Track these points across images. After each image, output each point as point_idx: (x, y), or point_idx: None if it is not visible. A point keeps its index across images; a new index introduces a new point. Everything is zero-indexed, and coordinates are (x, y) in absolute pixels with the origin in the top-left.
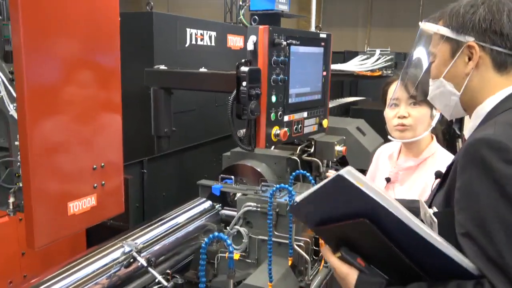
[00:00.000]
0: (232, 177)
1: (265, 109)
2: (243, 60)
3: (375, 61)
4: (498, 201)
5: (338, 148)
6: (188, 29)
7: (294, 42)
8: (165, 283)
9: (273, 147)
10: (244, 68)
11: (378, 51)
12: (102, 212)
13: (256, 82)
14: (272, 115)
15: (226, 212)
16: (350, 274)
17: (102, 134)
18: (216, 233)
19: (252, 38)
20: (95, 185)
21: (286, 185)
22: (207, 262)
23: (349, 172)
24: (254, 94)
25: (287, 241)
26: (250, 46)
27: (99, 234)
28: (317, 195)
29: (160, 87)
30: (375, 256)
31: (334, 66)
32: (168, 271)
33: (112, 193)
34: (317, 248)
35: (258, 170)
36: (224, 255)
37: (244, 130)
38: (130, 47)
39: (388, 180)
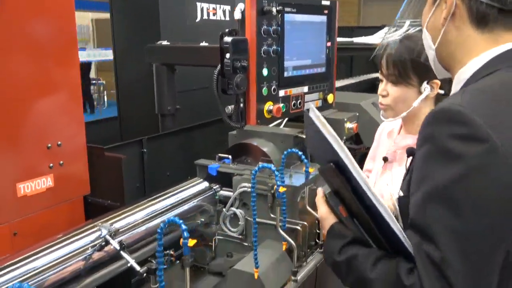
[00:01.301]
0: (230, 156)
1: (255, 83)
2: (227, 30)
3: (405, 32)
4: (441, 189)
5: (348, 125)
6: (198, 3)
7: (288, 9)
8: (137, 268)
9: (282, 124)
10: (227, 39)
11: (408, 22)
12: (62, 194)
13: (241, 53)
14: (264, 90)
15: (224, 193)
16: (328, 219)
17: (57, 112)
18: (172, 218)
19: (240, 6)
20: (51, 165)
21: (270, 165)
22: (204, 245)
23: (313, 110)
24: (240, 67)
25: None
26: (237, 15)
27: (96, 215)
28: (307, 136)
29: (162, 63)
30: (354, 212)
31: (358, 40)
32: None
33: (72, 173)
34: (319, 231)
35: (263, 149)
36: (221, 237)
37: (233, 106)
38: (136, 24)
39: (385, 159)
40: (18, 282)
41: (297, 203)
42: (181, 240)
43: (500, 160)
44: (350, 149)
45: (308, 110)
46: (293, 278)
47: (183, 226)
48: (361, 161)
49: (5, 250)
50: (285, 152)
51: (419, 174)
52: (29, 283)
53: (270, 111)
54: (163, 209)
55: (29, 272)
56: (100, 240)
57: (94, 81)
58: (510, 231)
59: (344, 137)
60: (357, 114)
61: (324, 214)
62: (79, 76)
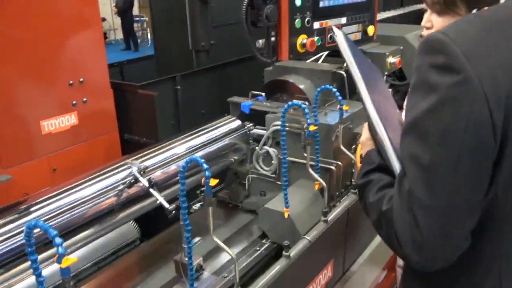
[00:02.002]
0: (263, 94)
1: (287, 15)
2: None
3: None
4: (415, 121)
5: (390, 59)
6: None
7: None
8: (166, 205)
9: (321, 60)
10: None
11: None
12: (87, 131)
13: None
14: (297, 22)
15: (258, 131)
16: (366, 145)
17: (78, 49)
18: (193, 156)
19: None
20: (74, 102)
21: (299, 103)
22: (239, 183)
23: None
24: None
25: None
26: None
27: (132, 152)
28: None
29: None
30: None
31: None
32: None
33: (97, 111)
34: (354, 171)
35: (299, 86)
36: (255, 176)
37: (264, 40)
38: None
39: None
40: (44, 219)
41: (331, 142)
42: (203, 179)
43: (472, 93)
44: (392, 85)
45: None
46: (323, 218)
47: (205, 165)
48: (403, 99)
49: (46, 184)
50: (318, 89)
51: (406, 107)
52: (61, 218)
53: (303, 45)
54: (195, 147)
55: (61, 208)
56: (130, 177)
57: (137, 18)
58: (481, 170)
59: (386, 73)
60: (401, 47)
61: (363, 140)
62: (99, 12)
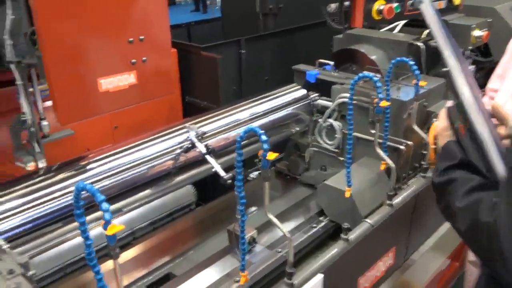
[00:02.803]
0: (332, 62)
1: None
2: None
3: None
4: None
5: (476, 33)
6: None
7: None
8: (222, 173)
9: (397, 29)
10: None
11: None
12: (145, 92)
13: None
14: None
15: (323, 102)
16: (443, 135)
17: (139, 5)
18: (252, 127)
19: None
20: (134, 61)
21: (370, 74)
22: (298, 155)
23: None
24: None
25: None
26: None
27: (193, 115)
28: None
29: None
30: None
31: None
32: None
33: (157, 71)
34: (425, 152)
35: (371, 57)
36: (316, 149)
37: (336, 4)
38: None
39: None
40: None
41: (402, 120)
42: (260, 152)
43: None
44: (475, 62)
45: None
46: (388, 202)
47: (263, 137)
48: (486, 78)
49: (108, 141)
50: (392, 61)
51: None
52: (120, 177)
53: (380, 12)
54: (256, 115)
55: (120, 167)
56: (188, 142)
57: None
58: None
59: (470, 47)
60: (490, 20)
61: (441, 129)
62: None
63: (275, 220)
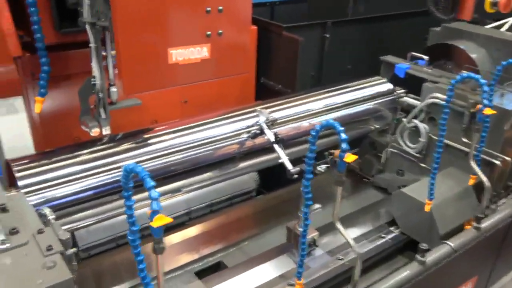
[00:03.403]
0: (426, 57)
1: None
2: None
3: None
4: None
5: None
6: None
7: None
8: (289, 166)
9: (505, 27)
10: None
11: None
12: (218, 68)
13: None
14: None
15: (410, 100)
16: None
17: None
18: (330, 121)
19: None
20: (209, 33)
21: (477, 76)
22: (373, 155)
23: None
24: None
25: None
26: None
27: (266, 98)
28: None
29: None
30: None
31: None
32: None
33: (233, 46)
34: None
35: (471, 55)
36: (395, 150)
37: None
38: None
39: None
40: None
41: (503, 131)
42: (336, 152)
43: None
44: None
45: None
46: (475, 224)
47: (343, 136)
48: None
49: (176, 115)
50: (503, 63)
51: None
52: (179, 156)
53: (495, 4)
54: (333, 106)
55: (184, 145)
56: (256, 127)
57: None
58: None
59: None
60: None
61: None
62: None
63: (343, 231)
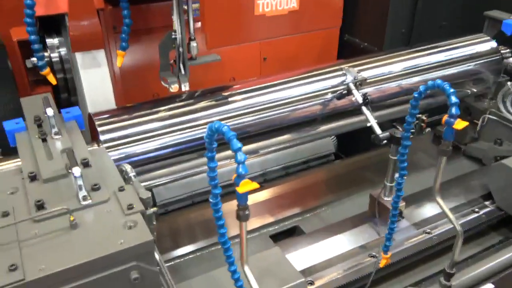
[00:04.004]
0: None
1: None
2: None
3: None
4: None
5: None
6: None
7: None
8: (378, 131)
9: None
10: None
11: None
12: (304, 21)
13: None
14: None
15: None
16: None
17: None
18: (439, 82)
19: None
20: None
21: None
22: (468, 122)
23: None
24: None
25: None
26: None
27: (349, 56)
28: None
29: None
30: None
31: None
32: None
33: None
34: None
35: None
36: (493, 117)
37: None
38: None
39: None
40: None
41: None
42: (444, 118)
43: None
44: None
45: None
46: None
47: (453, 99)
48: None
49: (255, 73)
50: None
51: None
52: (258, 116)
53: None
54: (425, 66)
55: (262, 104)
56: (343, 87)
57: None
58: None
59: None
60: None
61: None
62: None
63: (443, 205)
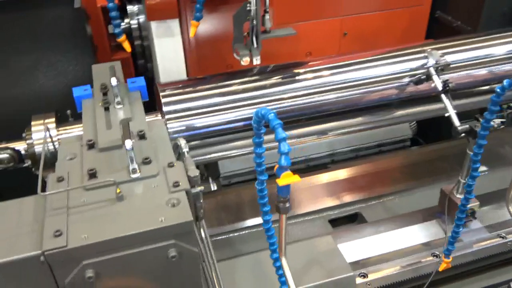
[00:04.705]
0: None
1: None
2: None
3: None
4: None
5: None
6: None
7: None
8: (457, 123)
9: None
10: None
11: None
12: None
13: None
14: None
15: None
16: None
17: None
18: None
19: None
20: None
21: None
22: None
23: None
24: None
25: None
26: None
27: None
28: None
29: None
30: None
31: None
32: None
33: None
34: None
35: None
36: None
37: None
38: None
39: None
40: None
41: None
42: None
43: None
44: None
45: None
46: None
47: None
48: None
49: (333, 49)
50: None
51: None
52: (327, 97)
53: None
54: None
55: (330, 85)
56: (422, 71)
57: None
58: None
59: None
60: None
61: None
62: None
63: None
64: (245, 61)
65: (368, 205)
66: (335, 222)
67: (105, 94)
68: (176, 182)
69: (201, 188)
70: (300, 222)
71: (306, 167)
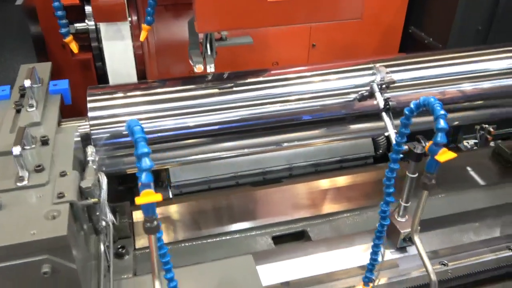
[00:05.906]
0: None
1: None
2: None
3: None
4: None
5: None
6: None
7: None
8: (393, 138)
9: None
10: None
11: None
12: (326, 11)
13: None
14: None
15: None
16: None
17: None
18: None
19: None
20: None
21: None
22: None
23: None
24: None
25: None
26: None
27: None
28: None
29: None
30: None
31: None
32: None
33: None
34: None
35: None
36: None
37: None
38: None
39: None
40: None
41: None
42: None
43: None
44: None
45: None
46: None
47: (441, 123)
48: None
49: (301, 59)
50: None
51: None
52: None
53: None
54: (484, 73)
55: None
56: (365, 89)
57: None
58: None
59: None
60: None
61: None
62: None
63: (422, 250)
64: (197, 68)
65: (315, 223)
66: (278, 239)
67: (22, 96)
68: (60, 193)
69: (94, 200)
70: (243, 238)
71: (263, 180)
